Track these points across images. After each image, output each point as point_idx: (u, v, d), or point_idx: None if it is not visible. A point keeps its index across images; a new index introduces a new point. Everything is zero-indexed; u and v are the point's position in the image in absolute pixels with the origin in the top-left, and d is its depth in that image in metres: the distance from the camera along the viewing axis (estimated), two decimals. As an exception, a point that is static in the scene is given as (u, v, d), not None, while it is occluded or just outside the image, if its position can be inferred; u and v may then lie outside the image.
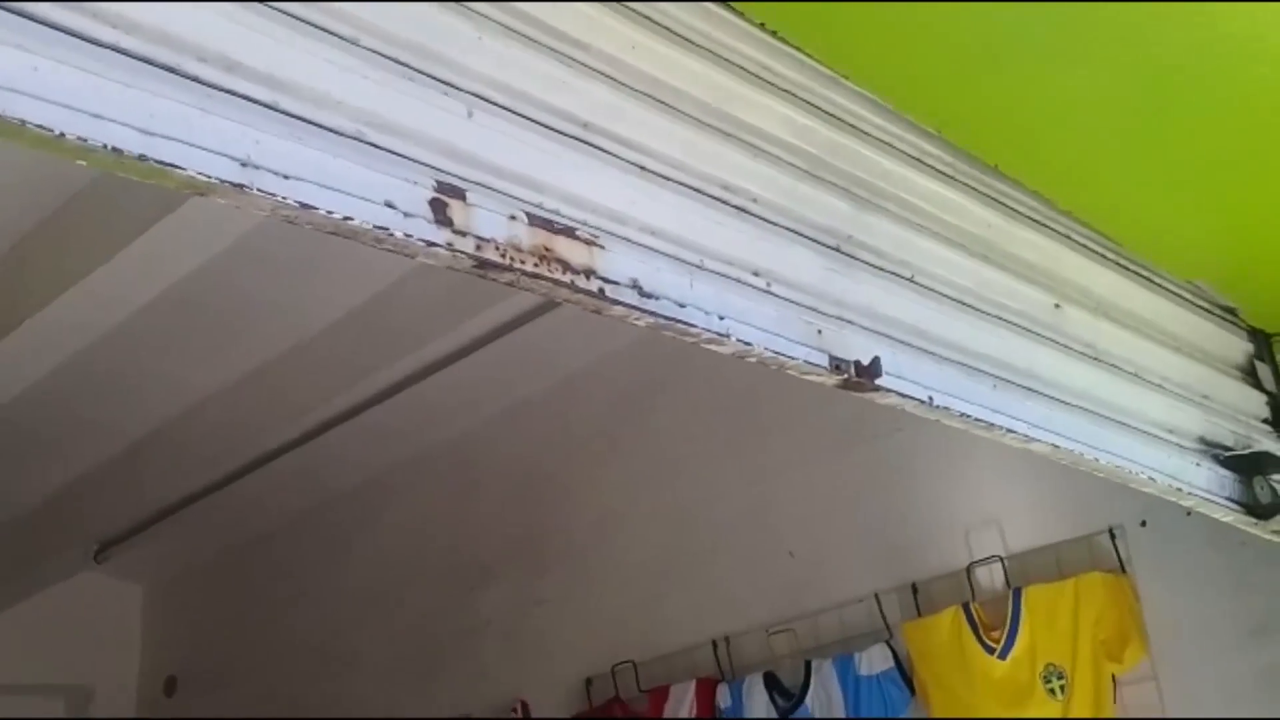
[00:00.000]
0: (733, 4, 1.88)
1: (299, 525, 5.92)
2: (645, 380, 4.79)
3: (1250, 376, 2.92)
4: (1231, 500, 2.67)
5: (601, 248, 1.59)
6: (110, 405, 4.70)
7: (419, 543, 5.54)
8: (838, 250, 2.00)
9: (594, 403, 5.00)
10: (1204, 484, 2.62)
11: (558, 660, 4.86)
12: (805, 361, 1.83)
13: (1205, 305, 2.86)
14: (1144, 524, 3.60)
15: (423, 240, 1.38)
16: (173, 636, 6.55)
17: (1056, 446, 2.27)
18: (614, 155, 1.68)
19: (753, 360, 1.80)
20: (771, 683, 4.18)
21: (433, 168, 1.43)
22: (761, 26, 1.91)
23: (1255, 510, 2.69)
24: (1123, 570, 3.61)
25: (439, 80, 1.48)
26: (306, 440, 5.04)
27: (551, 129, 1.61)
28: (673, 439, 4.79)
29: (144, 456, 5.12)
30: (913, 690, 3.87)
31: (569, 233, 1.56)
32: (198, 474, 5.32)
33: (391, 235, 1.35)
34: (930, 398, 2.02)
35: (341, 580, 5.81)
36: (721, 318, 1.73)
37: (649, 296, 1.63)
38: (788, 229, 1.92)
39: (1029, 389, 2.26)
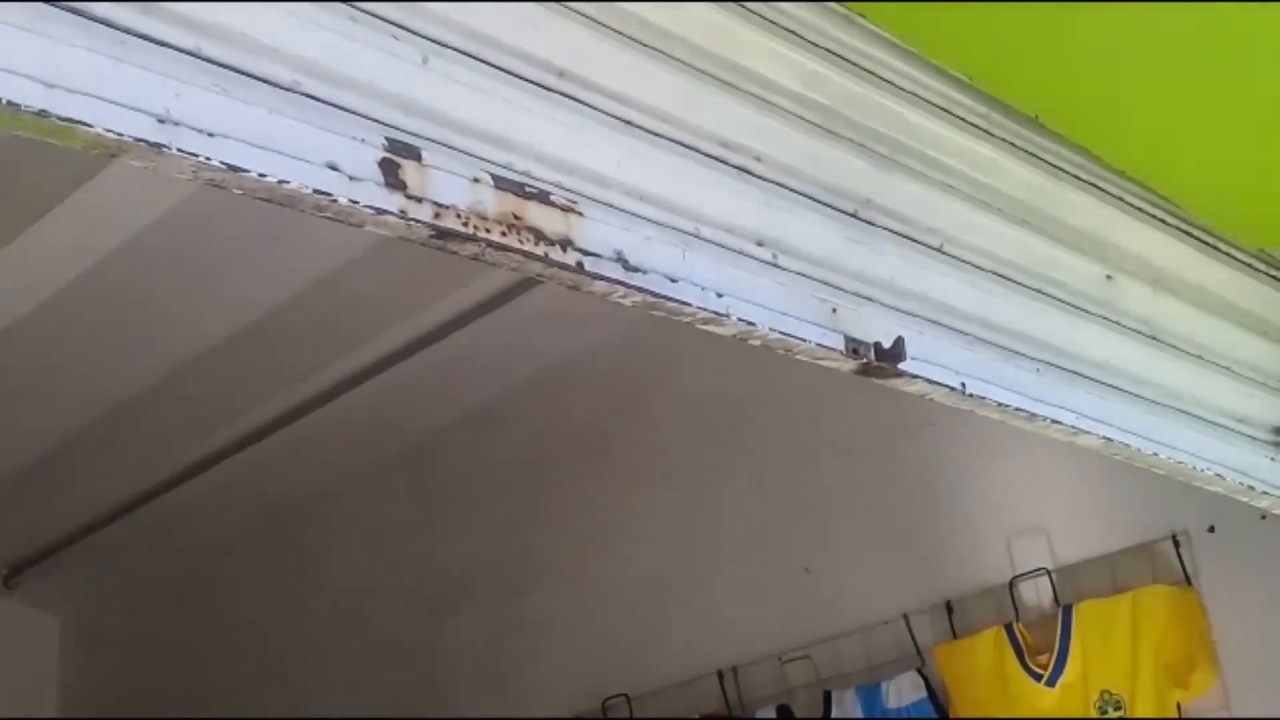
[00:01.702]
0: (730, -68, 1.88)
1: (239, 545, 5.92)
2: (639, 371, 4.79)
3: (1332, 358, 2.94)
4: (1312, 500, 2.68)
5: (580, 214, 1.60)
6: (16, 410, 4.69)
7: (379, 562, 5.54)
8: (855, 216, 2.00)
9: (580, 398, 5.00)
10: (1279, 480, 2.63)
11: (540, 695, 4.86)
12: (818, 344, 1.84)
13: (1279, 277, 2.87)
14: (1212, 529, 3.61)
15: (371, 207, 1.38)
16: (95, 674, 6.55)
17: (1109, 440, 2.28)
18: (594, 108, 1.68)
19: (757, 343, 1.80)
20: (786, 717, 4.19)
21: (382, 123, 1.43)
22: (764, -42, 1.91)
23: (1339, 511, 2.70)
24: (1188, 582, 3.62)
25: (388, 22, 1.47)
26: (245, 446, 5.04)
27: (520, 78, 1.60)
28: (671, 438, 4.79)
29: (57, 468, 5.11)
30: (948, 724, 3.89)
31: (542, 197, 1.56)
32: (120, 488, 5.33)
33: (335, 201, 1.35)
34: (963, 385, 2.03)
35: (289, 607, 5.80)
36: (720, 294, 1.73)
37: (636, 270, 1.63)
38: (797, 192, 1.93)
39: (1077, 374, 2.27)
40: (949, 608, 3.97)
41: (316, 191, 1.34)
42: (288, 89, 1.36)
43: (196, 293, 4.19)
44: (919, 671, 3.97)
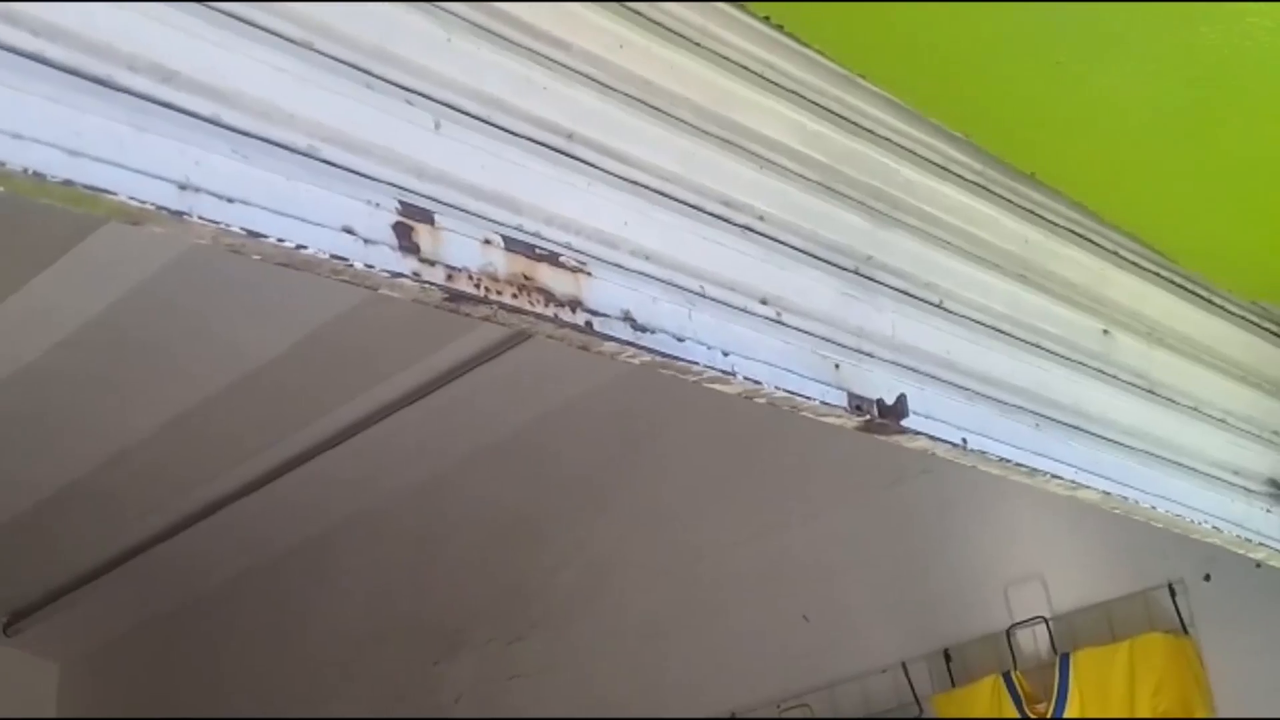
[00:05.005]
0: (733, -3, 1.90)
1: (238, 590, 5.89)
2: (638, 416, 4.79)
3: (1325, 409, 2.95)
4: (1306, 550, 2.69)
5: (589, 275, 1.61)
6: (19, 455, 4.69)
7: (377, 607, 5.52)
8: (855, 273, 2.02)
9: (579, 442, 5.00)
10: (1275, 532, 2.63)
11: (538, 742, 4.83)
12: (821, 401, 1.84)
13: (1272, 329, 2.88)
14: (1207, 578, 3.61)
15: (386, 270, 1.39)
16: (93, 720, 6.50)
17: (1107, 493, 2.29)
18: (601, 169, 1.70)
19: (762, 400, 1.81)
20: (785, 765, 4.17)
21: (396, 187, 1.44)
22: (766, 21, 1.93)
23: (1333, 561, 2.71)
24: (1184, 631, 3.62)
25: (402, 88, 1.49)
26: (247, 492, 5.03)
27: (530, 140, 1.62)
28: (670, 485, 4.79)
29: (59, 513, 5.10)
30: (947, 772, 3.87)
31: (552, 259, 1.57)
32: (121, 533, 5.31)
33: (351, 265, 1.36)
34: (964, 440, 2.04)
35: (288, 653, 5.77)
36: (726, 353, 1.74)
37: (643, 330, 1.64)
38: (799, 250, 1.94)
39: (1075, 427, 2.28)
40: (947, 656, 3.96)
41: (333, 256, 1.34)
42: (304, 154, 1.37)
43: (196, 343, 4.20)
44: None
